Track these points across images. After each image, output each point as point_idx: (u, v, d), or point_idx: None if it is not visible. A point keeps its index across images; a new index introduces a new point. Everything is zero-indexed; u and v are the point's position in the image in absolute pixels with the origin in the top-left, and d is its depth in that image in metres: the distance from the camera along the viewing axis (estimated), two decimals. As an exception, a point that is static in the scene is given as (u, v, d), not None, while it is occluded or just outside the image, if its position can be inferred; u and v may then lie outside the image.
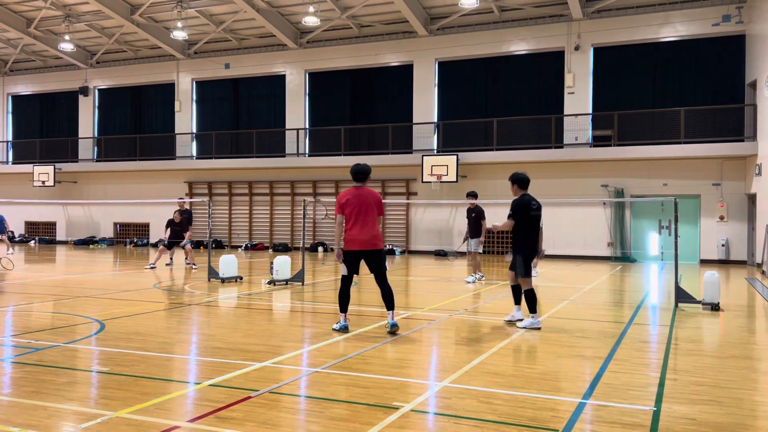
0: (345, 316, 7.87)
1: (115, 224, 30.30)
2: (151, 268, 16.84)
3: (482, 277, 14.45)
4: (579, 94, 23.40)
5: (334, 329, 7.89)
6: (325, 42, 27.09)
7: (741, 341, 7.97)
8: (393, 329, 7.72)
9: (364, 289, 12.13)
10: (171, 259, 18.05)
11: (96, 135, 31.55)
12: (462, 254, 17.72)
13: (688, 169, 21.69)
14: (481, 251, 14.38)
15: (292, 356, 6.65)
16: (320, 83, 27.66)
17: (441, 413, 4.75)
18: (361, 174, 7.85)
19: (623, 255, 22.24)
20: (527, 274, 8.29)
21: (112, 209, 30.05)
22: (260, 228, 27.71)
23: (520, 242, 8.31)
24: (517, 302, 8.63)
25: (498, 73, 25.10)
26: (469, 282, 14.08)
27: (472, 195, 14.37)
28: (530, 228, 8.30)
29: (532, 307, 8.20)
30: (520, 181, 8.44)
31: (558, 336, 7.89)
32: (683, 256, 20.49)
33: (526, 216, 8.24)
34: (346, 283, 7.86)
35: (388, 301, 7.83)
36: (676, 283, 10.62)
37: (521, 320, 8.45)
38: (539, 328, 8.15)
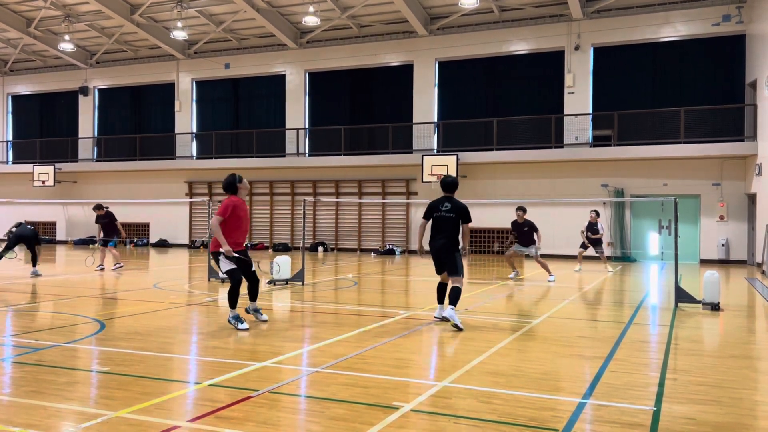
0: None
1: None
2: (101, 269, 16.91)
3: None
4: (579, 94, 23.39)
5: (239, 329, 7.93)
6: (325, 42, 27.08)
7: (741, 341, 7.97)
8: (256, 316, 8.54)
9: (363, 289, 12.13)
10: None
11: (96, 135, 31.52)
12: None
13: (688, 169, 21.68)
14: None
15: (292, 356, 6.65)
16: (320, 83, 27.64)
17: (441, 413, 4.74)
18: (228, 187, 8.35)
19: (623, 255, 22.23)
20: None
21: (112, 209, 29.90)
22: (260, 228, 27.69)
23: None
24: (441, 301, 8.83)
25: (498, 73, 25.08)
26: None
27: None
28: (433, 227, 8.67)
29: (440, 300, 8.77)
30: (442, 185, 8.87)
31: (558, 336, 7.90)
32: (683, 256, 20.47)
33: (431, 216, 8.70)
34: (239, 280, 8.30)
35: (252, 295, 8.56)
36: (676, 282, 10.62)
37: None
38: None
